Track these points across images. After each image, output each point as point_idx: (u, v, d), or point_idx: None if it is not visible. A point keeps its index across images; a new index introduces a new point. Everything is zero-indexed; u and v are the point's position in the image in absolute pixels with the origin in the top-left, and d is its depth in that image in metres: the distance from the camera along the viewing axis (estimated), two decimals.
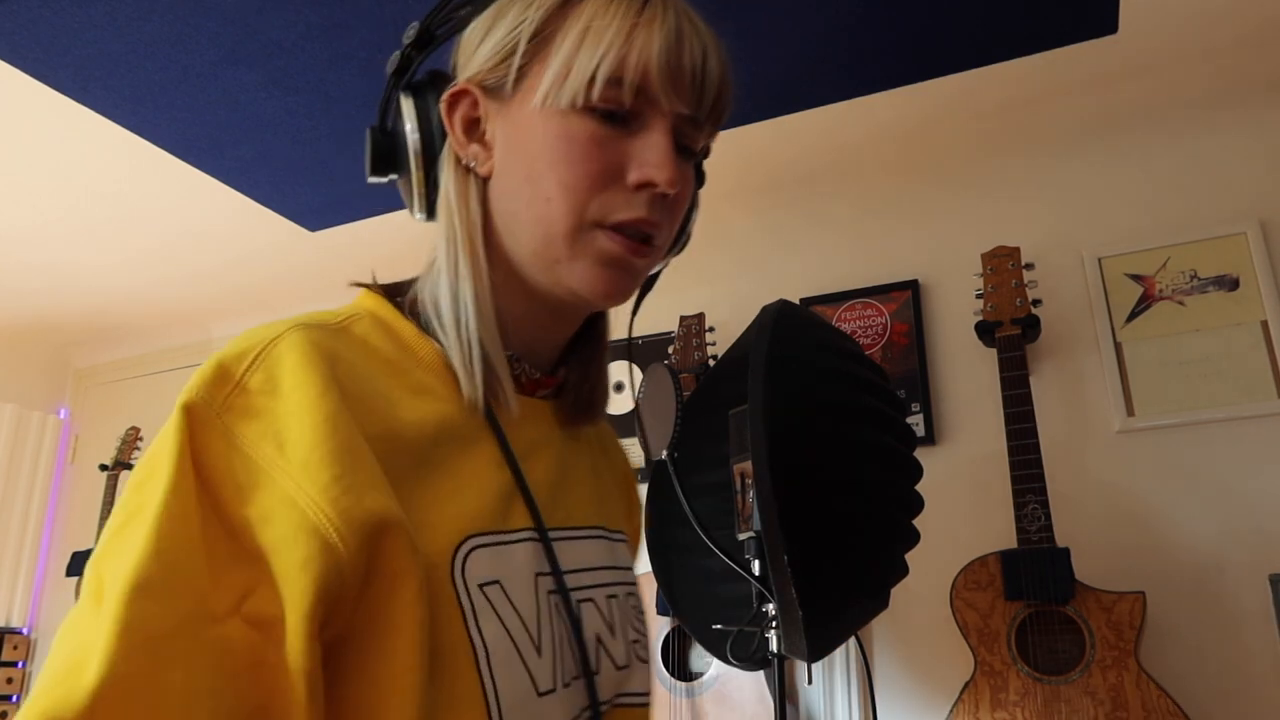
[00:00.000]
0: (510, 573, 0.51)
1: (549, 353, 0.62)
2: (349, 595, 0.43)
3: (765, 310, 1.23)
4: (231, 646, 0.41)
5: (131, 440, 2.98)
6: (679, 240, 0.64)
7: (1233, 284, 1.89)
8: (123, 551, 0.41)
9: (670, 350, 2.27)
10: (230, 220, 2.49)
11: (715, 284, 2.46)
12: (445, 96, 0.57)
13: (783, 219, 2.42)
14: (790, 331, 1.21)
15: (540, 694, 0.50)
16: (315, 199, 2.37)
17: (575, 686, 0.54)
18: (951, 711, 1.68)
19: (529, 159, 0.54)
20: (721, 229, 2.48)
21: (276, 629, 0.41)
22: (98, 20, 1.68)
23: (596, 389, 0.65)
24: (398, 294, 0.59)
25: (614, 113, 0.53)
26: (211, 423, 0.45)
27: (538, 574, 0.53)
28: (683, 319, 2.27)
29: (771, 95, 1.97)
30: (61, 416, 3.40)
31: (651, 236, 0.55)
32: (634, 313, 0.69)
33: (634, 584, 0.66)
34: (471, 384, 0.54)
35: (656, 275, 0.65)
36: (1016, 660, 1.65)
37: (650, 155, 0.53)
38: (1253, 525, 1.76)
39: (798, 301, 2.30)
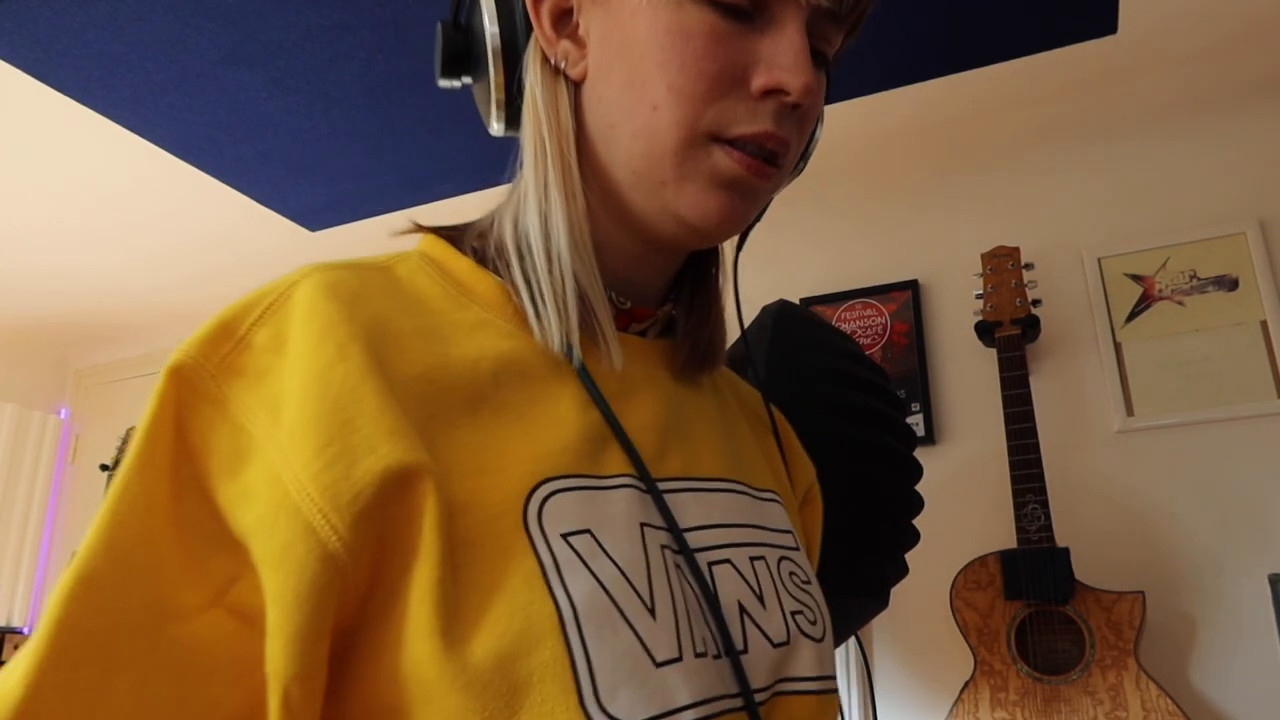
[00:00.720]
0: (604, 520, 0.42)
1: (648, 287, 0.54)
2: (354, 582, 0.36)
3: (765, 310, 1.23)
4: (203, 645, 0.35)
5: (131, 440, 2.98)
6: (800, 160, 0.54)
7: (1232, 284, 1.89)
8: (83, 545, 0.36)
9: None
10: (230, 220, 2.49)
11: None
12: None
13: (782, 219, 2.42)
14: (790, 331, 1.21)
15: (659, 664, 0.39)
16: (315, 199, 2.38)
17: (715, 665, 0.42)
18: (951, 711, 1.68)
19: (632, 59, 0.46)
20: None
21: (263, 622, 0.36)
22: (98, 20, 1.68)
23: (715, 333, 0.56)
24: (461, 233, 0.52)
25: (737, 4, 0.44)
26: (202, 387, 0.39)
27: (643, 524, 0.43)
28: None
29: None
30: (61, 416, 3.40)
31: (777, 155, 0.46)
32: (739, 248, 0.58)
33: (792, 547, 0.54)
34: (561, 322, 0.46)
35: (766, 205, 0.55)
36: (1016, 660, 1.65)
37: (782, 56, 0.45)
38: (1253, 525, 1.76)
39: (798, 301, 2.30)
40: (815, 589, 0.54)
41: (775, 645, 0.47)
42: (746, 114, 0.45)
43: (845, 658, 2.03)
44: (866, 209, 2.33)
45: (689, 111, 0.45)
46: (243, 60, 1.81)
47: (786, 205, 2.42)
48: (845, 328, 2.23)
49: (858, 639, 1.34)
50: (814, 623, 0.51)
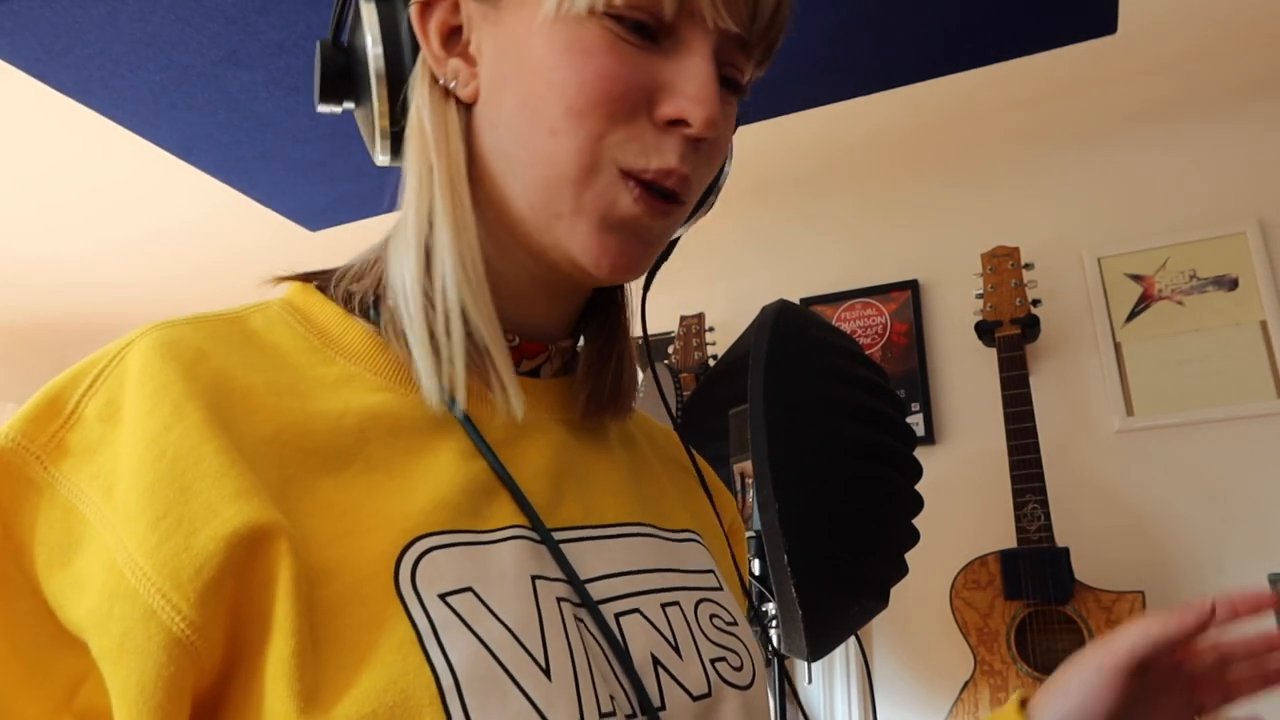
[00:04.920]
0: (489, 576, 0.38)
1: (542, 323, 0.49)
2: (209, 664, 0.33)
3: (765, 310, 1.24)
4: None
5: None
6: (707, 198, 0.51)
7: (1232, 284, 1.89)
8: None
9: (670, 350, 2.27)
10: (231, 219, 2.50)
11: (715, 284, 2.46)
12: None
13: (783, 218, 2.43)
14: (790, 331, 1.21)
15: None
16: (316, 199, 2.38)
17: None
18: (951, 711, 1.68)
19: (527, 80, 0.41)
20: (722, 228, 2.49)
21: None
22: (98, 20, 1.68)
23: (623, 375, 0.51)
24: (331, 277, 0.48)
25: (645, 25, 0.40)
26: (27, 473, 0.35)
27: (535, 576, 0.39)
28: (683, 319, 2.27)
29: (771, 95, 1.97)
30: None
31: (678, 194, 0.43)
32: (645, 289, 0.54)
33: (713, 588, 0.50)
34: (438, 374, 0.41)
35: (676, 240, 0.52)
36: (1016, 660, 1.65)
37: (688, 84, 0.41)
38: (1253, 525, 1.76)
39: (798, 301, 2.30)
40: (742, 629, 0.50)
41: (695, 698, 0.43)
42: (651, 146, 0.41)
43: (845, 657, 2.03)
44: (867, 209, 2.33)
45: (590, 136, 0.40)
46: (243, 60, 1.81)
47: (788, 205, 2.42)
48: (845, 327, 2.23)
49: (858, 639, 1.34)
50: (739, 668, 0.47)
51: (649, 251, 0.44)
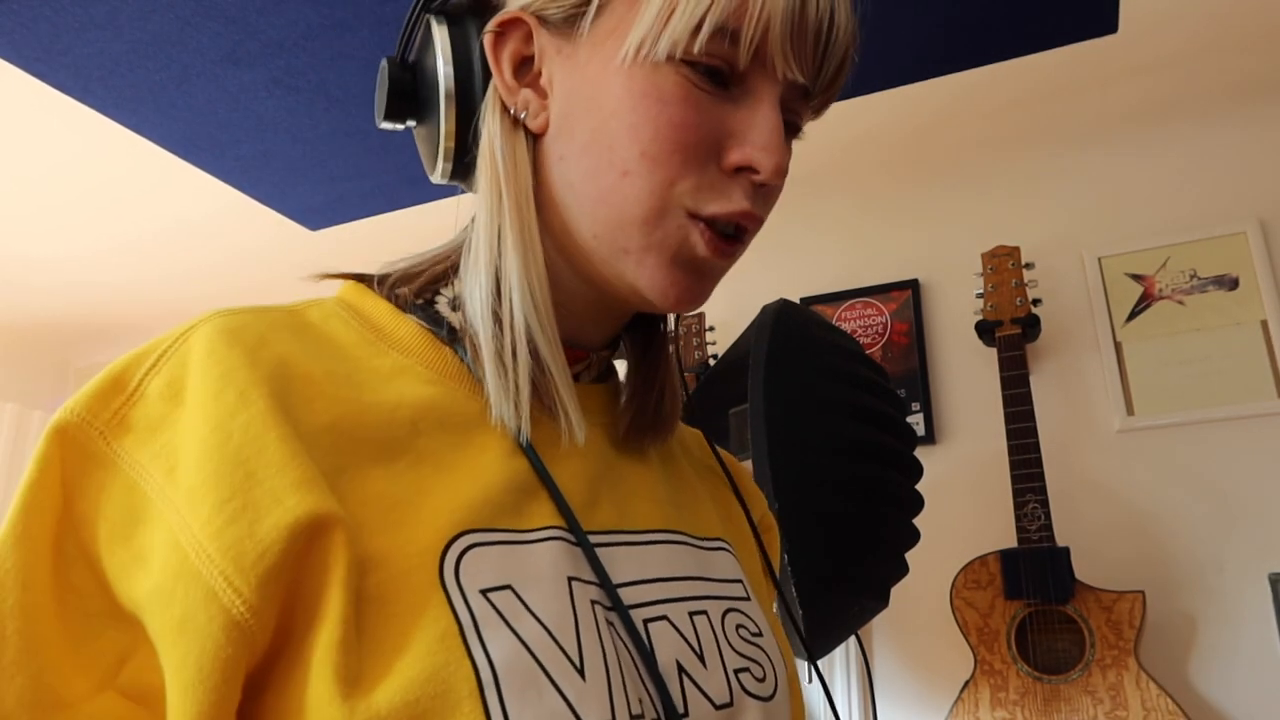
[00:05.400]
0: (527, 575, 0.39)
1: (588, 335, 0.51)
2: (260, 647, 0.34)
3: (765, 309, 1.24)
4: None
5: None
6: None
7: (1232, 283, 1.89)
8: None
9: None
10: (231, 219, 2.50)
11: None
12: (492, 25, 0.46)
13: (783, 218, 2.42)
14: (790, 330, 1.21)
15: None
16: (316, 198, 2.38)
17: None
18: (951, 711, 1.68)
19: (600, 118, 0.43)
20: None
21: (161, 704, 0.33)
22: (99, 19, 1.68)
23: (664, 401, 0.53)
24: (380, 280, 0.49)
25: (719, 72, 0.42)
26: (90, 447, 0.35)
27: (571, 578, 0.40)
28: (682, 318, 2.27)
29: None
30: None
31: (745, 232, 0.45)
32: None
33: (740, 598, 0.51)
34: (510, 395, 0.43)
35: None
36: (1016, 659, 1.65)
37: (757, 133, 0.43)
38: (1253, 525, 1.76)
39: (798, 301, 2.30)
40: (768, 641, 0.51)
41: (718, 707, 0.44)
42: (721, 191, 0.43)
43: (845, 657, 2.03)
44: (867, 209, 2.33)
45: (661, 180, 0.42)
46: (243, 60, 1.81)
47: (788, 205, 2.42)
48: (845, 327, 2.23)
49: (858, 639, 1.34)
50: (761, 680, 0.47)
51: (709, 287, 0.46)
